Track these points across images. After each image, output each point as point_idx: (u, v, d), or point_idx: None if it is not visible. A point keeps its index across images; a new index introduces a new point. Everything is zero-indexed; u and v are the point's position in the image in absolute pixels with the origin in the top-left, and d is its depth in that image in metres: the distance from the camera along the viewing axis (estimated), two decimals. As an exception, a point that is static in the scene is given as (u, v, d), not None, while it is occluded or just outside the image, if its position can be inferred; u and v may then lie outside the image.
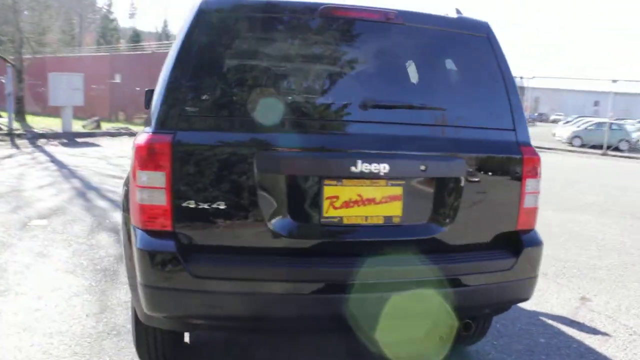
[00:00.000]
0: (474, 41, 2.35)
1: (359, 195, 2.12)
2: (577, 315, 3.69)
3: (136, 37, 52.44)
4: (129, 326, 3.12)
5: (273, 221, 2.06)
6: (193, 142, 2.03)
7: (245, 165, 2.04)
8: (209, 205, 2.03)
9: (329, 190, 2.09)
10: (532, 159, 2.35)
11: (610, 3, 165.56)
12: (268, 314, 2.05)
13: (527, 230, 2.38)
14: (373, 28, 2.21)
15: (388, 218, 2.16)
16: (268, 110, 2.07)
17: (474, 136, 2.29)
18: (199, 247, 2.04)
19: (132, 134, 16.42)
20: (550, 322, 3.56)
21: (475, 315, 2.52)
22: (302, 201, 2.09)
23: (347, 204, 2.11)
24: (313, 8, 2.15)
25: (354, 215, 2.12)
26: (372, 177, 2.10)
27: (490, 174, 2.29)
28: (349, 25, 2.19)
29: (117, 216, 5.80)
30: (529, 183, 2.35)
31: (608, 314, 3.73)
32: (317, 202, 2.09)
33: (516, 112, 2.36)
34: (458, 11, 2.45)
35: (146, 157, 2.02)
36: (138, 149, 2.05)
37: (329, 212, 2.10)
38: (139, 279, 2.04)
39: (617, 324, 3.56)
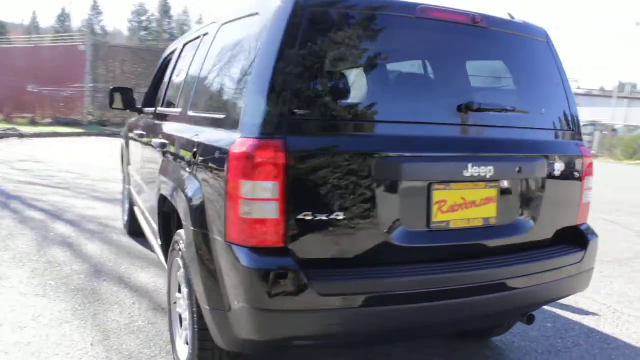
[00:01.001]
0: (539, 46, 2.44)
1: (463, 199, 2.10)
2: (570, 300, 4.00)
3: (1, 28, 47.10)
4: (148, 351, 2.81)
5: (388, 229, 1.97)
6: (306, 147, 1.85)
7: (362, 171, 1.91)
8: (326, 217, 1.87)
9: (438, 195, 2.04)
10: (589, 157, 2.51)
11: (606, 3, 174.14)
12: (391, 327, 1.96)
13: (583, 224, 2.54)
14: (463, 31, 2.20)
15: (486, 220, 2.17)
16: (382, 112, 1.97)
17: (548, 137, 2.39)
18: (316, 262, 1.87)
19: (22, 136, 14.78)
20: (549, 308, 3.81)
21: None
22: (414, 207, 2.02)
23: (453, 208, 2.08)
24: (412, 7, 2.09)
25: (458, 219, 2.10)
26: (476, 180, 2.09)
27: (560, 173, 2.39)
28: (442, 27, 2.16)
29: (60, 228, 5.20)
30: (587, 180, 2.50)
31: (597, 300, 4.08)
32: (428, 208, 2.04)
33: (574, 113, 2.50)
34: (511, 16, 2.53)
35: (254, 166, 1.80)
36: (239, 156, 1.82)
37: (438, 216, 2.06)
38: (243, 302, 1.82)
39: (606, 307, 3.93)
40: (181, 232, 2.43)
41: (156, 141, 2.95)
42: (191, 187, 2.16)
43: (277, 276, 1.79)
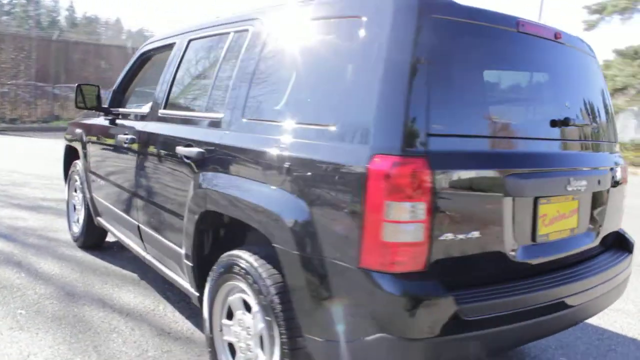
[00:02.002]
0: (591, 62, 2.56)
1: (557, 211, 2.14)
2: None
3: None
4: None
5: (511, 245, 1.95)
6: (446, 164, 1.76)
7: (493, 188, 1.87)
8: (464, 236, 1.80)
9: (542, 209, 2.06)
10: (625, 167, 2.70)
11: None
12: (517, 341, 1.95)
13: (621, 229, 2.73)
14: (547, 45, 2.23)
15: (572, 230, 2.23)
16: (505, 127, 1.93)
17: (608, 149, 2.54)
18: (454, 285, 1.79)
19: None
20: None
21: None
22: (524, 222, 2.01)
23: (551, 221, 2.11)
24: (514, 21, 2.07)
25: (554, 231, 2.14)
26: (569, 193, 2.15)
27: (614, 182, 2.54)
28: (533, 41, 2.16)
29: (-6, 244, 4.47)
30: (625, 188, 2.69)
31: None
32: (534, 222, 2.04)
33: (614, 124, 2.67)
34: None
35: (401, 185, 1.67)
36: (383, 175, 1.67)
37: (542, 230, 2.07)
38: (384, 332, 1.68)
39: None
40: (243, 254, 2.20)
41: (182, 149, 2.61)
42: (287, 205, 1.94)
43: (427, 303, 1.69)
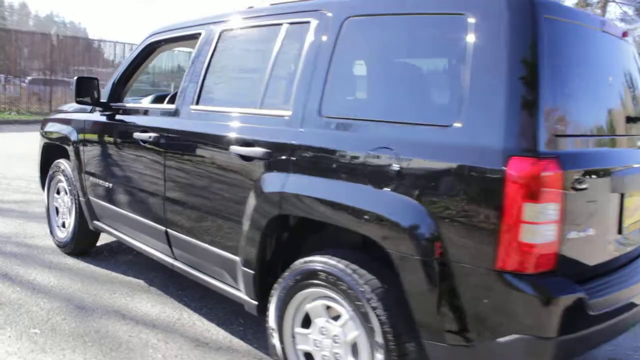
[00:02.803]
0: (636, 56, 2.67)
1: (635, 204, 2.22)
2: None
3: None
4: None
5: (611, 238, 2.01)
6: (572, 164, 1.77)
7: (603, 186, 1.91)
8: (583, 233, 1.83)
9: (627, 202, 2.12)
10: None
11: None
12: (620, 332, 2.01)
13: None
14: (615, 43, 2.29)
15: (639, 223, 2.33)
16: (605, 126, 1.97)
17: None
18: (579, 281, 1.82)
19: None
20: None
21: None
22: (613, 216, 2.07)
23: (631, 213, 2.19)
24: (599, 20, 2.11)
25: (632, 222, 2.22)
26: None
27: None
28: (609, 40, 2.21)
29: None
30: None
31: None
32: (621, 215, 2.10)
33: None
34: None
35: (540, 187, 1.66)
36: (524, 177, 1.65)
37: (625, 222, 2.14)
38: (523, 333, 1.68)
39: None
40: (330, 259, 2.11)
41: (240, 149, 2.44)
42: (404, 210, 1.87)
43: (564, 300, 1.71)
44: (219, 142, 2.61)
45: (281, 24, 2.52)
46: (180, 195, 2.88)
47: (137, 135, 3.13)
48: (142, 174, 3.17)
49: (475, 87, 1.81)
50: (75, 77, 3.47)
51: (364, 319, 2.01)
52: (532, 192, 1.66)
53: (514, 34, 1.77)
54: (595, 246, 1.95)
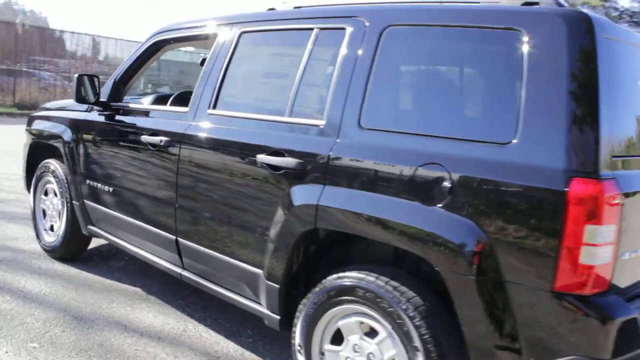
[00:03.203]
0: None
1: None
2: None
3: None
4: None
5: None
6: (627, 185, 1.75)
7: None
8: (633, 253, 1.82)
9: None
10: None
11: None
12: None
13: None
14: None
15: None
16: None
17: None
18: (627, 301, 1.81)
19: None
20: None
21: None
22: None
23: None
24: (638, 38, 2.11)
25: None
26: None
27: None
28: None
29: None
30: None
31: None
32: None
33: None
34: None
35: (601, 209, 1.63)
36: (585, 199, 1.62)
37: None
38: (578, 353, 1.67)
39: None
40: (368, 276, 2.05)
41: (268, 158, 2.35)
42: (456, 227, 1.81)
43: (621, 321, 1.69)
44: (242, 149, 2.50)
45: (311, 29, 2.43)
46: (194, 204, 2.75)
47: (145, 138, 2.98)
48: (150, 179, 3.02)
49: (532, 104, 1.77)
50: (77, 75, 3.28)
51: (406, 337, 1.95)
52: (594, 214, 1.63)
53: (575, 53, 1.74)
54: (635, 264, 1.94)
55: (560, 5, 1.94)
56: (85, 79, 3.30)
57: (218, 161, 2.62)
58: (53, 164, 3.88)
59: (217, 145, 2.63)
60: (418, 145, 1.98)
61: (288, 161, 2.28)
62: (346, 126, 2.18)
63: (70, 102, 4.50)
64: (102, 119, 3.42)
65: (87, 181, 3.52)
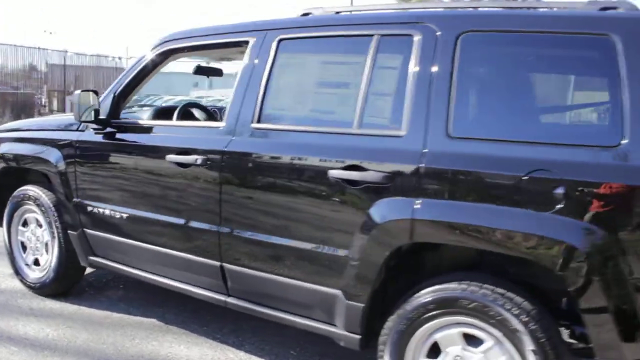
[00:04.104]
0: None
1: None
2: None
3: None
4: None
5: None
6: None
7: None
8: None
9: None
10: None
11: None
12: None
13: None
14: None
15: None
16: None
17: None
18: None
19: None
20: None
21: None
22: None
23: None
24: None
25: None
26: None
27: None
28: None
29: None
30: None
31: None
32: None
33: None
34: None
35: None
36: None
37: None
38: None
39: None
40: (470, 286, 2.03)
41: (343, 173, 2.23)
42: (578, 232, 1.83)
43: None
44: (307, 165, 2.36)
45: (370, 36, 2.33)
46: (246, 227, 2.55)
47: (171, 158, 2.73)
48: (180, 202, 2.77)
49: (637, 106, 1.83)
50: (79, 91, 2.92)
51: (520, 343, 1.95)
52: None
53: None
54: None
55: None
56: (89, 95, 2.95)
57: (276, 179, 2.45)
58: (34, 190, 3.45)
59: (273, 161, 2.47)
60: (521, 152, 1.97)
61: (370, 175, 2.18)
62: (432, 136, 2.12)
63: (41, 120, 4.05)
64: (104, 138, 3.08)
65: (89, 208, 3.16)
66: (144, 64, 3.06)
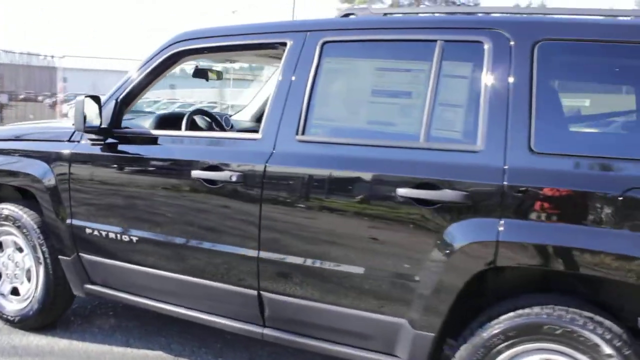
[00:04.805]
0: None
1: None
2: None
3: None
4: None
5: None
6: None
7: None
8: None
9: None
10: None
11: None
12: None
13: None
14: None
15: None
16: None
17: None
18: None
19: None
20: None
21: None
22: None
23: None
24: None
25: None
26: None
27: None
28: None
29: None
30: None
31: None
32: None
33: None
34: None
35: None
36: None
37: None
38: None
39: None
40: (558, 312, 1.91)
41: (412, 192, 2.02)
42: None
43: None
44: (366, 182, 2.14)
45: (433, 41, 2.15)
46: (290, 251, 2.29)
47: (199, 174, 2.41)
48: (209, 224, 2.46)
49: None
50: (83, 96, 2.52)
51: None
52: None
53: None
54: None
55: None
56: (92, 101, 2.57)
57: (328, 197, 2.21)
58: (12, 209, 2.99)
59: (325, 178, 2.22)
60: (611, 168, 1.86)
61: (446, 194, 2.00)
62: (513, 151, 1.97)
63: (20, 128, 3.56)
64: (108, 150, 2.70)
65: (88, 230, 2.77)
66: (151, 67, 2.71)
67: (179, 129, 2.99)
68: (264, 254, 2.34)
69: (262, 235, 2.33)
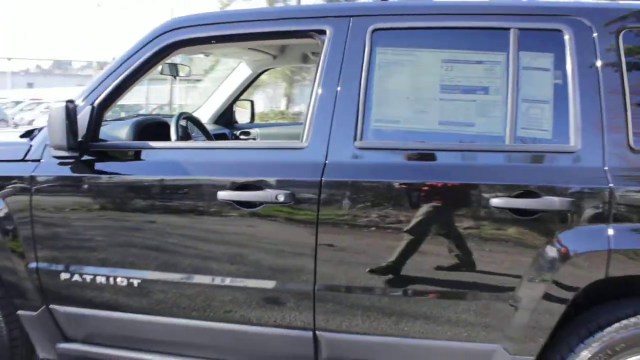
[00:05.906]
0: None
1: None
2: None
3: None
4: None
5: None
6: None
7: None
8: None
9: None
10: None
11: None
12: None
13: None
14: None
15: None
16: None
17: None
18: None
19: None
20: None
21: None
22: None
23: None
24: None
25: None
26: None
27: None
28: None
29: None
30: None
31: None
32: None
33: None
34: None
35: None
36: None
37: None
38: None
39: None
40: None
41: (508, 201, 1.75)
42: None
43: None
44: (453, 192, 1.86)
45: (506, 29, 1.91)
46: (357, 281, 1.93)
47: (228, 195, 1.93)
48: (245, 257, 2.00)
49: None
50: (57, 103, 1.88)
51: None
52: None
53: None
54: None
55: None
56: (67, 109, 1.93)
57: (408, 212, 1.87)
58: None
59: (399, 189, 1.89)
60: None
61: (546, 202, 1.78)
62: (613, 152, 1.80)
63: None
64: (84, 171, 2.09)
65: (63, 275, 2.13)
66: (138, 62, 2.13)
67: (166, 139, 2.44)
68: (322, 286, 1.94)
69: (318, 263, 1.93)
